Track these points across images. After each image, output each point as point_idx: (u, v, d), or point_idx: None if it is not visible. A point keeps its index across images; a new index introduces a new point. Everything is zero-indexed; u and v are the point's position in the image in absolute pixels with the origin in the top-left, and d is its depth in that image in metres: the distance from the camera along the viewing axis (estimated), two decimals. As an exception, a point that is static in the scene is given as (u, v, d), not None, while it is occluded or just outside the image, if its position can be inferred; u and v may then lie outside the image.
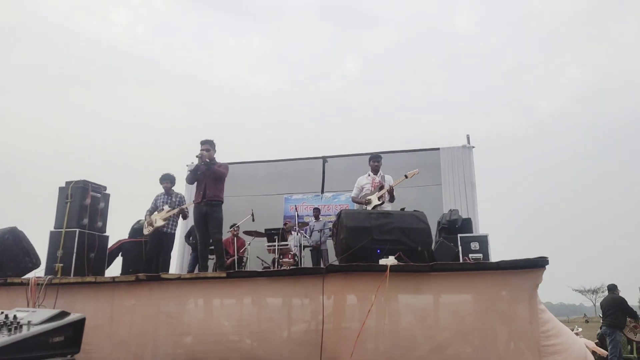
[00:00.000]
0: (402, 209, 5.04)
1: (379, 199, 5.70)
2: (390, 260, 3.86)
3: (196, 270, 7.61)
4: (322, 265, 7.52)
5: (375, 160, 6.04)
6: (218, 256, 5.70)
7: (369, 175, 6.03)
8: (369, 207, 5.61)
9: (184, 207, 6.23)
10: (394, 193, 5.79)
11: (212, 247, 5.82)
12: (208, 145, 5.66)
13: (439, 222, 6.24)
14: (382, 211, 4.97)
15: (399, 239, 4.21)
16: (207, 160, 5.61)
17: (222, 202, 5.67)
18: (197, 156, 5.58)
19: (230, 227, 8.06)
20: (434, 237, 5.65)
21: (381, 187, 5.78)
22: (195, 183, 5.78)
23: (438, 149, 9.18)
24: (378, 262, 3.92)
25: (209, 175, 5.61)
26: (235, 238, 7.94)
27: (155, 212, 6.28)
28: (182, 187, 7.10)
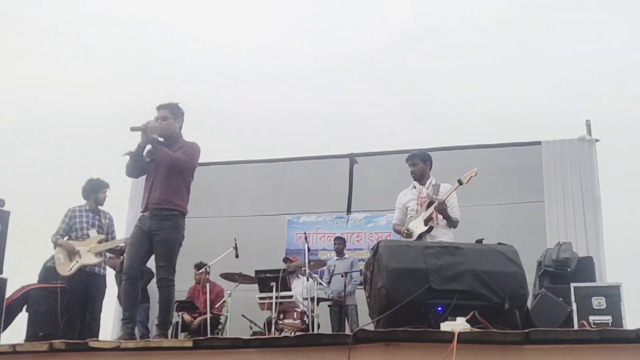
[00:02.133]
0: (479, 241, 4.98)
1: (425, 222, 5.67)
2: (459, 324, 3.81)
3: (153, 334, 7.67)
4: (347, 331, 7.47)
5: (412, 163, 5.99)
6: (162, 308, 5.39)
7: (414, 187, 6.00)
8: (412, 239, 5.59)
9: (121, 242, 6.30)
10: (455, 211, 5.73)
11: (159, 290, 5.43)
12: (166, 111, 5.41)
13: (539, 263, 6.17)
14: (445, 244, 4.92)
15: (473, 290, 4.17)
16: (157, 137, 5.35)
17: (183, 214, 5.43)
18: (139, 128, 5.24)
19: (198, 269, 8.10)
20: (530, 286, 5.58)
21: (430, 203, 5.74)
22: (144, 178, 5.57)
23: (539, 142, 9.13)
24: (439, 326, 3.88)
25: (161, 165, 5.34)
26: (205, 285, 7.98)
27: (74, 240, 6.35)
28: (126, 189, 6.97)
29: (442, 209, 5.61)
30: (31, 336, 6.24)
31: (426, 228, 5.62)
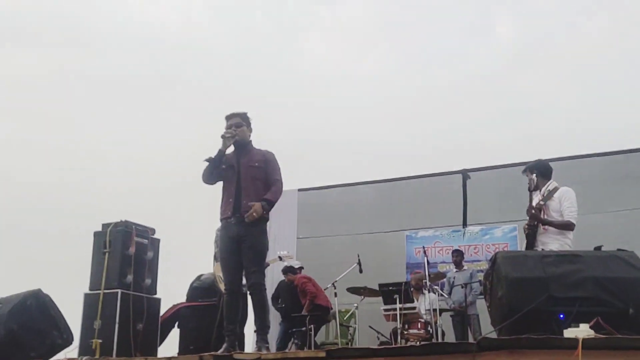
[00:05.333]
0: (598, 248, 4.78)
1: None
2: (583, 331, 3.68)
3: (291, 347, 7.82)
4: (471, 340, 7.32)
5: (526, 175, 5.88)
6: (258, 313, 5.24)
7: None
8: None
9: (269, 262, 6.39)
10: (568, 213, 5.51)
11: (251, 295, 5.34)
12: (239, 119, 5.30)
13: (662, 268, 5.81)
14: (564, 253, 4.76)
15: (595, 297, 4.01)
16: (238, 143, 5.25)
17: (267, 220, 5.36)
18: (223, 137, 5.19)
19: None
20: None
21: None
22: (222, 184, 5.40)
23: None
24: (562, 333, 3.76)
25: (244, 171, 5.24)
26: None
27: None
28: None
29: (532, 215, 5.50)
30: (183, 350, 6.50)
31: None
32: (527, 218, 5.84)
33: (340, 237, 10.11)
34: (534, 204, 5.71)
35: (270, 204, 5.21)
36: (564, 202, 5.54)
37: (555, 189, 5.68)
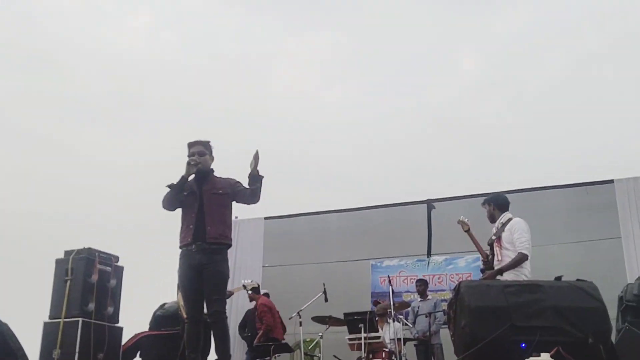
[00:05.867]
0: (558, 278, 4.85)
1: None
2: (544, 360, 3.71)
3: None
4: (434, 369, 7.35)
5: (484, 207, 6.11)
6: (221, 341, 5.14)
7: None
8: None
9: (237, 289, 6.38)
10: (518, 245, 5.61)
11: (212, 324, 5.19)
12: (201, 147, 5.30)
13: (620, 298, 5.92)
14: (525, 283, 4.82)
15: (555, 326, 4.05)
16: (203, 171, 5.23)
17: (230, 247, 5.30)
18: (189, 163, 5.17)
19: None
20: (613, 321, 5.36)
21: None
22: (181, 212, 5.31)
23: (612, 181, 8.85)
24: (524, 363, 3.78)
25: (207, 198, 5.20)
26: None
27: None
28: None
29: (485, 263, 5.78)
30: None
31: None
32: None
33: (306, 266, 10.08)
34: (492, 234, 5.87)
35: (257, 190, 5.21)
36: (514, 233, 5.70)
37: (508, 221, 5.83)
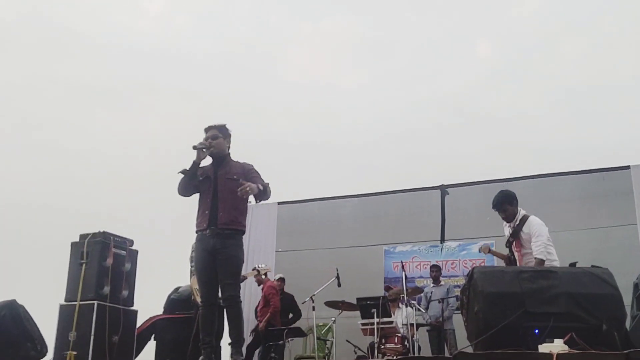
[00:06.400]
0: (573, 264, 4.82)
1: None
2: (557, 346, 3.69)
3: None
4: (447, 354, 7.33)
5: (501, 211, 5.91)
6: (234, 326, 5.16)
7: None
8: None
9: (249, 274, 6.36)
10: (540, 250, 5.60)
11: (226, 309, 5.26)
12: (215, 131, 5.19)
13: (636, 285, 5.87)
14: (539, 269, 4.80)
15: (569, 312, 4.03)
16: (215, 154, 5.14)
17: (243, 233, 5.29)
18: (195, 148, 5.06)
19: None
20: (628, 308, 5.32)
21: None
22: (198, 197, 5.27)
23: (628, 167, 8.75)
24: (537, 348, 3.77)
25: (222, 183, 5.13)
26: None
27: None
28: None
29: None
30: (160, 363, 6.46)
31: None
32: (504, 234, 5.94)
33: (319, 251, 10.09)
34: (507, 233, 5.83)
35: (264, 189, 5.08)
36: (533, 237, 5.66)
37: (524, 219, 5.73)
